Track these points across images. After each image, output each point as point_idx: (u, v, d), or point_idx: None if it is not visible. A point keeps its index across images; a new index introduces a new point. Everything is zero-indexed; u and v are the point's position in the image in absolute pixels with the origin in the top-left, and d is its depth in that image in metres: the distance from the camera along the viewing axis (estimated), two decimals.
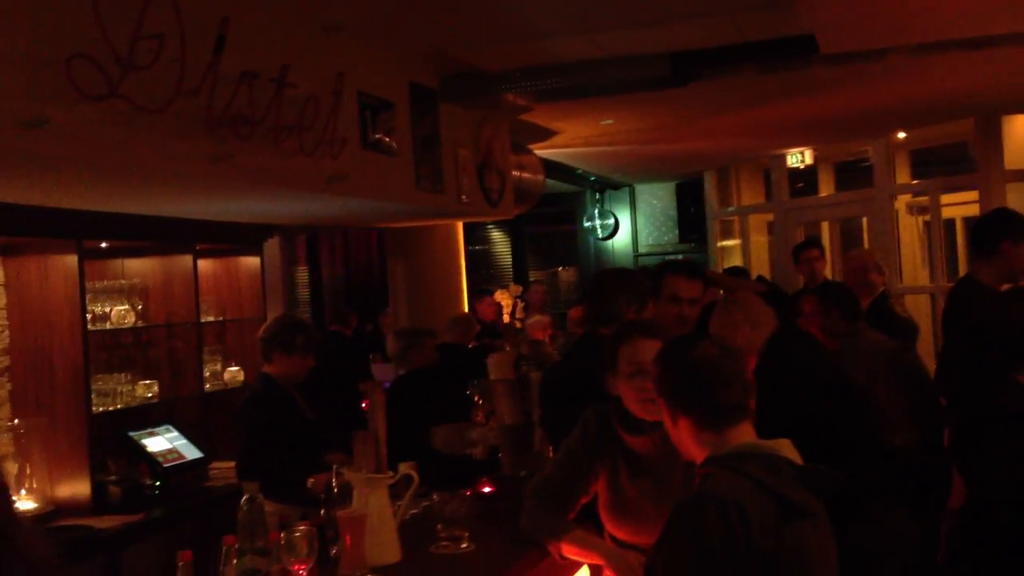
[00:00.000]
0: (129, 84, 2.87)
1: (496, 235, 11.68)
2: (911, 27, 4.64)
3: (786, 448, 2.08)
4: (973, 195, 8.03)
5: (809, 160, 9.23)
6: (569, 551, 2.78)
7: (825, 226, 9.58)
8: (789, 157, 9.28)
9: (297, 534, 2.63)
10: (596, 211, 11.67)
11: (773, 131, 8.06)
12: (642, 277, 3.71)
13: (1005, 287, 4.16)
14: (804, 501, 2.00)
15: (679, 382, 2.14)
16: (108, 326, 4.89)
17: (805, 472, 2.05)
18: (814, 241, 7.19)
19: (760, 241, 10.27)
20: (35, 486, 4.38)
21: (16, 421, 4.44)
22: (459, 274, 7.36)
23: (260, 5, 3.66)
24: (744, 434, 2.10)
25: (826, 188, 9.79)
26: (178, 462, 4.95)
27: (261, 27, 3.65)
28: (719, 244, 10.49)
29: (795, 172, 9.52)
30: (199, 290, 5.35)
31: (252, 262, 5.90)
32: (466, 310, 7.40)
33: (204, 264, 5.60)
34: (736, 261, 10.17)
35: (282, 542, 2.61)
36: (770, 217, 10.03)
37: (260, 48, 3.58)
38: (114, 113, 2.91)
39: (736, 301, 3.42)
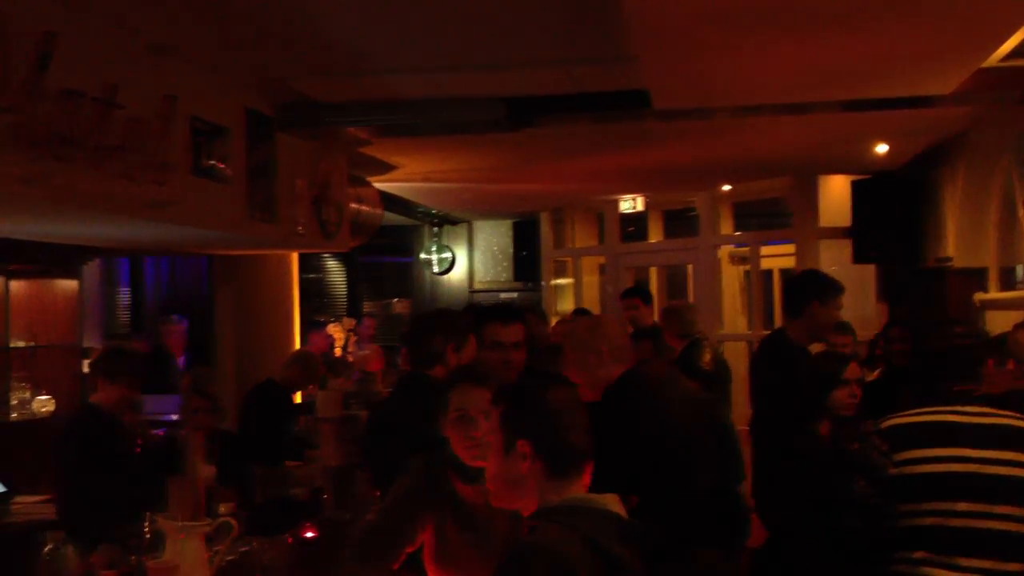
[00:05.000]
0: None
1: (331, 264, 11.52)
2: (737, 91, 4.93)
3: (614, 503, 2.13)
4: (790, 248, 8.54)
5: (640, 207, 9.58)
6: None
7: (654, 271, 9.95)
8: (622, 203, 9.60)
9: None
10: (433, 245, 11.72)
11: (606, 178, 8.34)
12: (457, 315, 3.73)
13: (814, 345, 4.43)
14: (626, 558, 2.06)
15: (536, 422, 2.12)
16: None
17: (629, 528, 2.10)
18: (637, 290, 7.37)
19: (592, 281, 10.56)
20: None
21: None
22: (292, 305, 7.21)
23: (87, 22, 3.52)
24: (579, 487, 2.14)
25: (656, 234, 10.18)
26: None
27: (88, 45, 3.51)
28: (553, 283, 10.72)
29: (627, 217, 9.86)
30: (9, 313, 5.05)
31: (69, 285, 5.62)
32: (298, 342, 7.24)
33: (16, 285, 5.30)
34: (569, 299, 10.42)
35: None
36: (602, 259, 10.33)
37: (86, 66, 3.44)
38: None
39: (602, 331, 3.42)
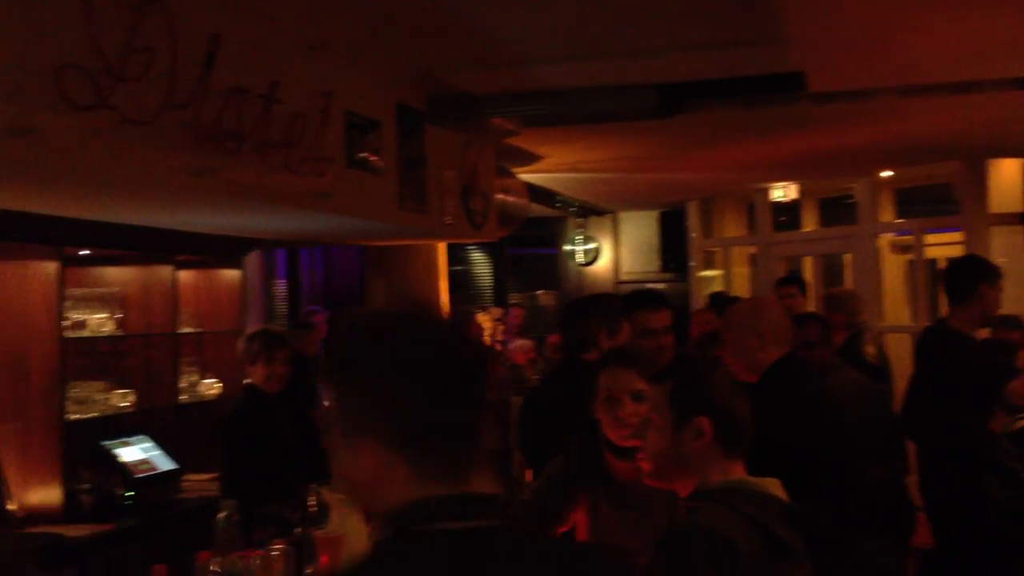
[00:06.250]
0: (118, 95, 2.87)
1: (476, 256, 11.66)
2: (901, 70, 4.71)
3: (774, 486, 2.08)
4: (957, 236, 8.11)
5: (793, 195, 9.29)
6: None
7: (808, 261, 9.64)
8: (774, 191, 9.33)
9: (274, 553, 2.63)
10: (578, 236, 11.69)
11: (758, 165, 8.13)
12: (611, 300, 3.74)
13: (979, 333, 4.21)
14: (791, 540, 2.00)
15: (716, 398, 2.11)
16: (86, 333, 4.87)
17: (793, 511, 2.05)
18: (793, 278, 7.17)
19: (742, 272, 10.32)
20: (7, 491, 4.33)
21: None
22: (439, 295, 7.35)
23: (251, 22, 3.67)
24: (738, 469, 2.11)
25: (810, 223, 9.86)
26: (151, 473, 4.91)
27: (251, 44, 3.65)
28: (701, 274, 10.53)
29: (779, 206, 9.58)
30: (178, 301, 5.33)
31: (232, 275, 5.89)
32: None
33: (184, 275, 5.59)
34: (718, 290, 10.21)
35: (258, 561, 2.61)
36: (752, 249, 10.08)
37: (249, 64, 3.58)
38: (102, 123, 2.90)
39: (763, 313, 3.31)
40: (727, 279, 10.19)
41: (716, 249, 10.47)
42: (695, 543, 1.92)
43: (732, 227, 10.42)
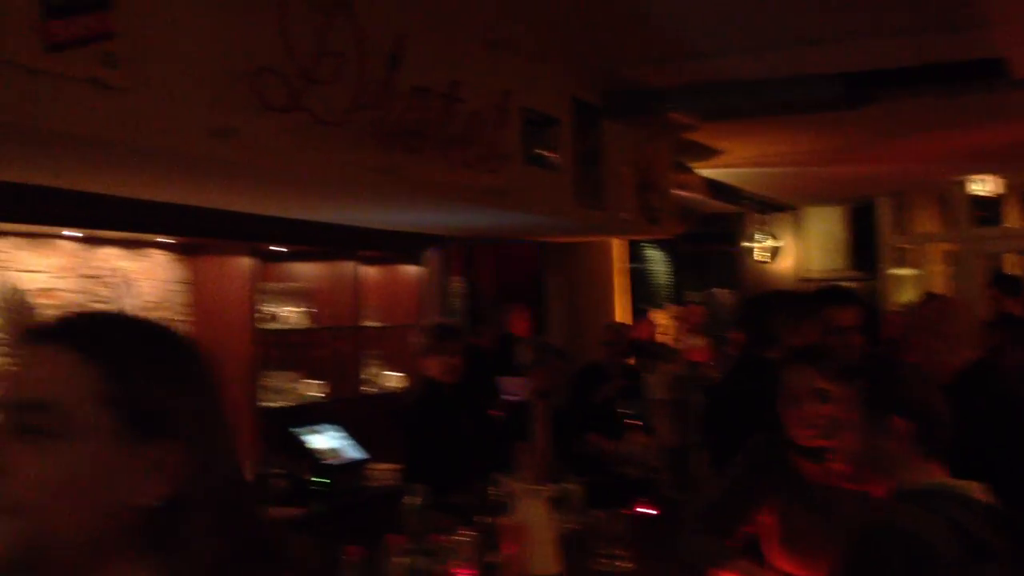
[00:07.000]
0: (311, 97, 3.01)
1: (652, 253, 11.52)
2: None
3: (978, 490, 1.97)
4: None
5: (995, 188, 8.71)
6: None
7: (1010, 259, 9.02)
8: (972, 184, 8.78)
9: (462, 539, 2.70)
10: (758, 233, 11.36)
11: (955, 157, 7.67)
12: (795, 297, 3.64)
13: None
14: (995, 544, 1.89)
15: (913, 397, 2.03)
16: (278, 326, 5.11)
17: (998, 515, 1.93)
18: (996, 280, 6.71)
19: (937, 271, 9.77)
20: None
21: None
22: (615, 292, 7.33)
23: (432, 24, 3.77)
24: (938, 471, 2.01)
25: (1013, 218, 9.22)
26: (338, 460, 5.10)
27: (432, 45, 3.76)
28: (892, 272, 10.04)
29: (978, 199, 9.00)
30: (361, 295, 5.53)
31: (411, 270, 6.05)
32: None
33: (367, 271, 5.78)
34: (910, 290, 9.71)
35: (447, 544, 2.69)
36: (948, 246, 9.53)
37: (431, 65, 3.68)
38: (296, 124, 3.06)
39: (949, 314, 3.14)
40: (922, 278, 9.68)
41: (909, 246, 9.96)
42: (892, 545, 1.84)
43: (926, 223, 9.88)
